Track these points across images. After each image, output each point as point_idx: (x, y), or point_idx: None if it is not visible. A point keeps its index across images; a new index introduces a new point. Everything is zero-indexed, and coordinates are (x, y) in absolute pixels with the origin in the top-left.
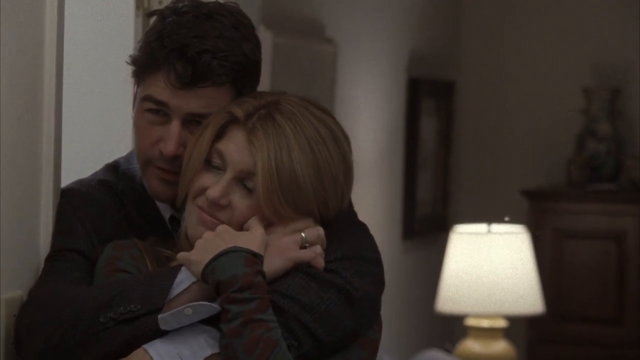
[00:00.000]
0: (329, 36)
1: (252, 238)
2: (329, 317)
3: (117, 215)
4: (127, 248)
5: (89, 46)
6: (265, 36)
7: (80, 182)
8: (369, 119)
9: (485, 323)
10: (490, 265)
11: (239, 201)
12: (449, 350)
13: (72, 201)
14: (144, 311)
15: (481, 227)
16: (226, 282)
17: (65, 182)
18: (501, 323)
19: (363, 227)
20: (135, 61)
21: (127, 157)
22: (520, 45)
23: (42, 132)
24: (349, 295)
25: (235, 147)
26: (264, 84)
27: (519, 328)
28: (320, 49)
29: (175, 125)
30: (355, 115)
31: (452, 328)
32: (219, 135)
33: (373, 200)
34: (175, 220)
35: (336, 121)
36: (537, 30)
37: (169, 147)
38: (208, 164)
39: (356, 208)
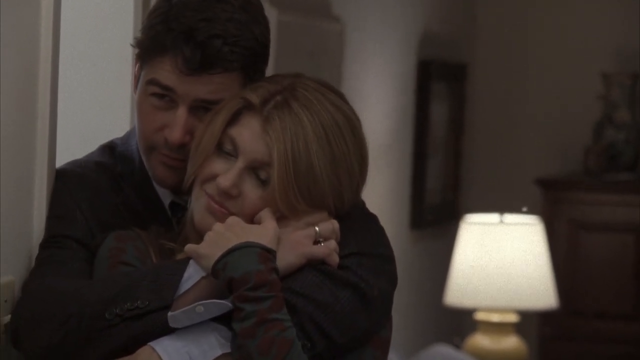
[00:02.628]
0: (336, 14)
1: (265, 232)
2: (343, 317)
3: (114, 199)
4: (131, 240)
5: (86, 24)
6: (270, 13)
7: (75, 163)
8: (376, 102)
9: (495, 317)
10: (502, 257)
11: (251, 192)
12: (457, 345)
13: (68, 183)
14: (152, 307)
15: (493, 217)
16: (239, 279)
17: (59, 163)
18: (512, 318)
19: (375, 220)
20: (139, 44)
21: (125, 138)
22: (537, 27)
23: (37, 112)
24: (364, 294)
25: (249, 135)
26: (268, 63)
27: (531, 323)
28: (327, 27)
29: (181, 112)
30: (363, 98)
31: (461, 322)
32: (232, 120)
33: (380, 188)
34: (177, 206)
35: (350, 106)
36: (555, 12)
37: (175, 134)
38: (219, 150)
39: (363, 196)
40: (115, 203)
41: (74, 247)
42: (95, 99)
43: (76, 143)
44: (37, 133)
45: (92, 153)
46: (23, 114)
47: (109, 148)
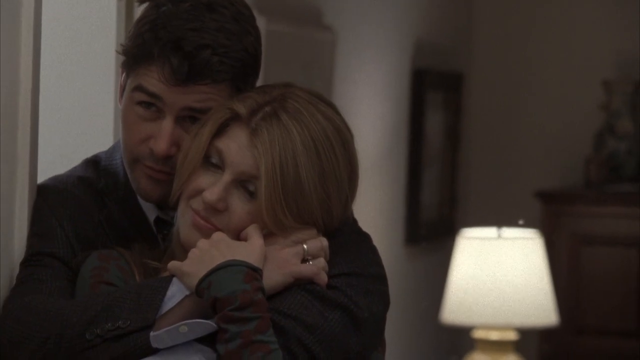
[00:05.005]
0: (328, 23)
1: (251, 249)
2: (332, 339)
3: (97, 216)
4: (114, 259)
5: (67, 33)
6: (259, 22)
7: (57, 179)
8: (370, 113)
9: (494, 335)
10: (500, 272)
11: (238, 206)
12: None
13: (49, 199)
14: (134, 327)
15: (491, 232)
16: (224, 299)
17: (40, 179)
18: (512, 336)
19: (367, 238)
20: (126, 52)
21: (109, 152)
22: (535, 35)
23: (17, 125)
24: (354, 316)
25: (236, 147)
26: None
27: (531, 341)
28: (318, 36)
29: (168, 122)
30: (355, 109)
31: (459, 340)
32: (219, 132)
33: (374, 202)
34: (162, 222)
35: (342, 118)
36: (554, 19)
37: (161, 145)
38: (206, 163)
39: (355, 210)
40: (98, 219)
41: (55, 265)
42: (78, 112)
43: (58, 157)
44: (18, 148)
45: (75, 168)
46: (3, 128)
47: (93, 162)
